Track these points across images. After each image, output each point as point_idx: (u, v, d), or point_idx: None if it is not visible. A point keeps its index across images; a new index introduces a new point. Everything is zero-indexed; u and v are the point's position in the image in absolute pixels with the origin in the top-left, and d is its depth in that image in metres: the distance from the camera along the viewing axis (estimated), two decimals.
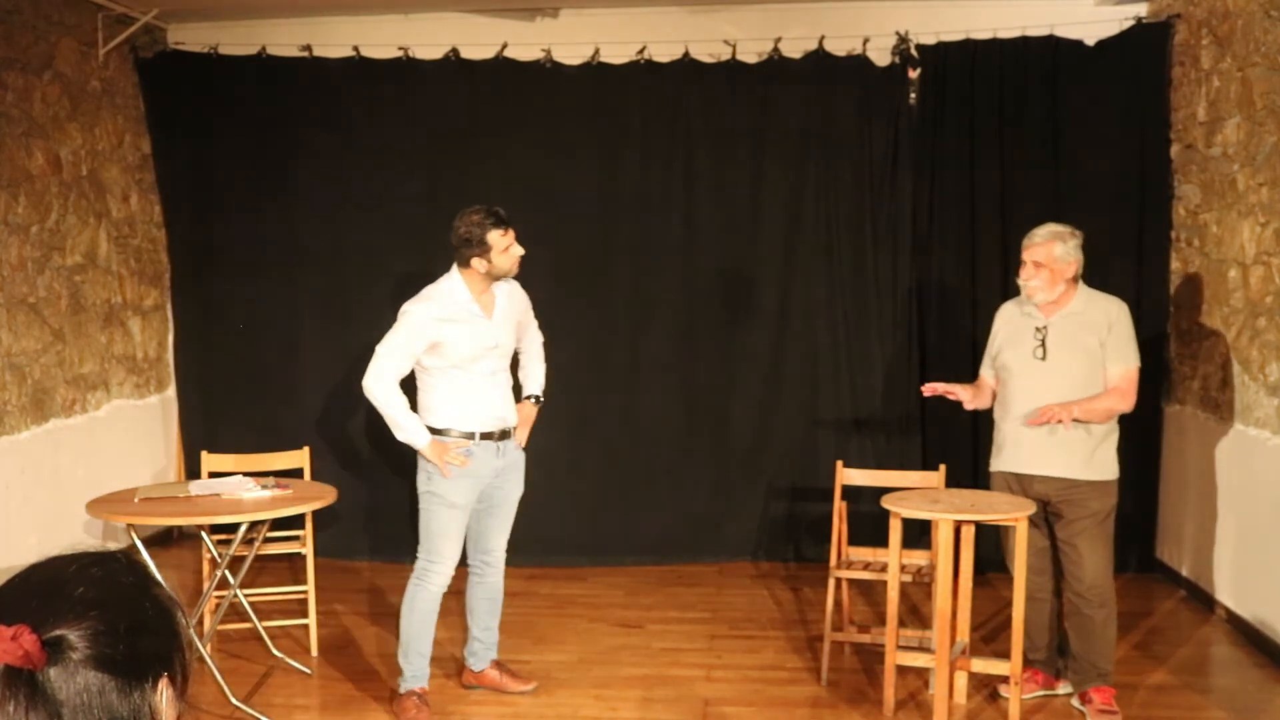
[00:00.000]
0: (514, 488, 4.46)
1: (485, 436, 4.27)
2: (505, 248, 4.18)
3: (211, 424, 6.57)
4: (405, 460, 6.04)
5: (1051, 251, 4.13)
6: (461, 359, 4.20)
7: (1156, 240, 5.94)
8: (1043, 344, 4.18)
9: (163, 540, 6.49)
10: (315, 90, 6.37)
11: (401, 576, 5.88)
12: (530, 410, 4.54)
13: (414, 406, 4.26)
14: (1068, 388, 4.12)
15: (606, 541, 6.35)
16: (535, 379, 4.59)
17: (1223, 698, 4.47)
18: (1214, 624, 5.26)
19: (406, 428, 4.18)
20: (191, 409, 6.73)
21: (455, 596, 5.79)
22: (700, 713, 4.36)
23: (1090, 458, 4.16)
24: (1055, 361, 4.16)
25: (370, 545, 6.40)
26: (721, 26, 6.25)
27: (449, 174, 6.30)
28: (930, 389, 4.51)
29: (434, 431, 4.21)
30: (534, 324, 4.59)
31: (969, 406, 4.53)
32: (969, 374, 6.04)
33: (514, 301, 4.42)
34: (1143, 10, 6.03)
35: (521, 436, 4.47)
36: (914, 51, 6.02)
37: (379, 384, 4.17)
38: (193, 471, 6.10)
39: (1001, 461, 4.34)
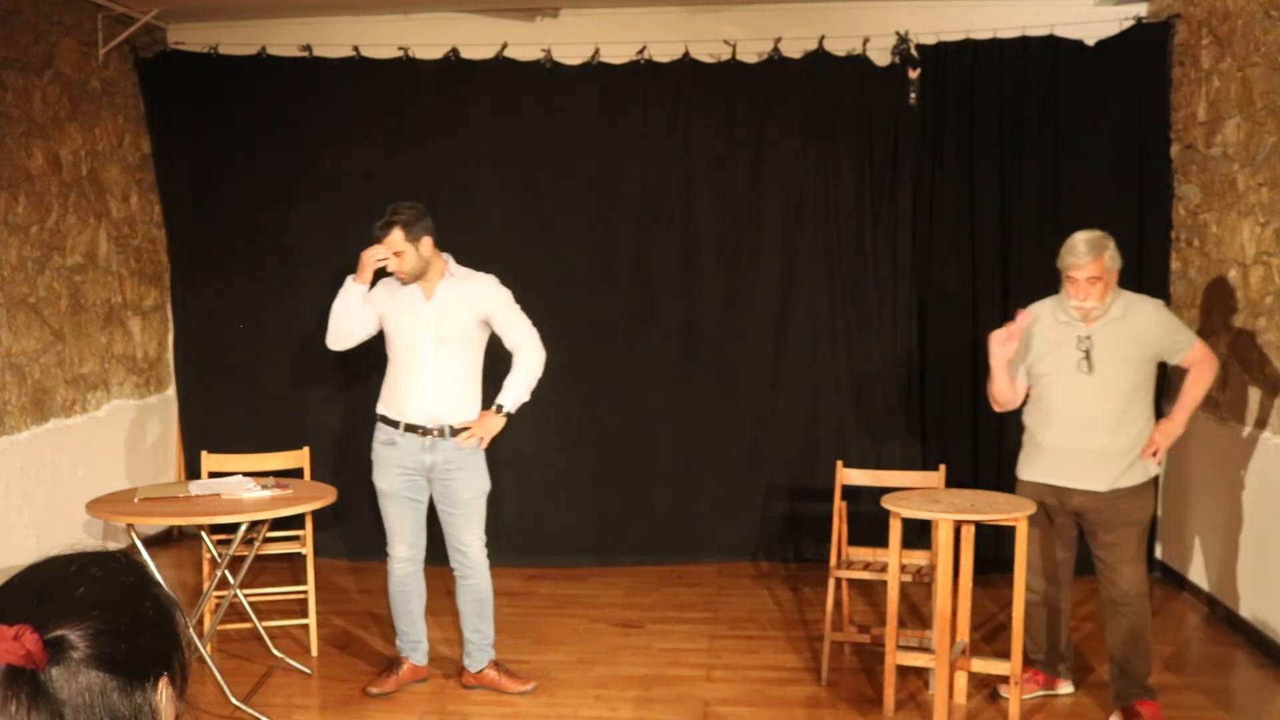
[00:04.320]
0: (464, 485, 4.38)
1: (410, 429, 4.32)
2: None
3: (211, 424, 6.57)
4: None
5: (1104, 263, 3.98)
6: (398, 341, 4.36)
7: (1156, 240, 5.94)
8: (1087, 356, 4.03)
9: (163, 540, 6.49)
10: (315, 90, 6.37)
11: None
12: (494, 419, 4.38)
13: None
14: (1114, 400, 4.02)
15: (606, 541, 6.35)
16: (507, 388, 4.40)
17: (1223, 697, 4.47)
18: (1214, 624, 5.26)
19: (341, 298, 4.38)
20: (191, 409, 6.73)
21: (450, 597, 5.80)
22: (700, 713, 4.36)
23: (1132, 465, 4.07)
24: (1102, 374, 4.02)
25: (370, 545, 6.37)
26: (721, 26, 6.25)
27: (449, 174, 6.30)
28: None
29: (378, 418, 4.43)
30: (516, 327, 4.42)
31: (999, 359, 4.14)
32: (969, 374, 6.08)
33: (470, 297, 4.35)
34: (1143, 10, 6.03)
35: (466, 438, 4.32)
36: (914, 51, 6.01)
37: (329, 336, 4.47)
38: (193, 471, 6.10)
39: (1036, 472, 4.20)
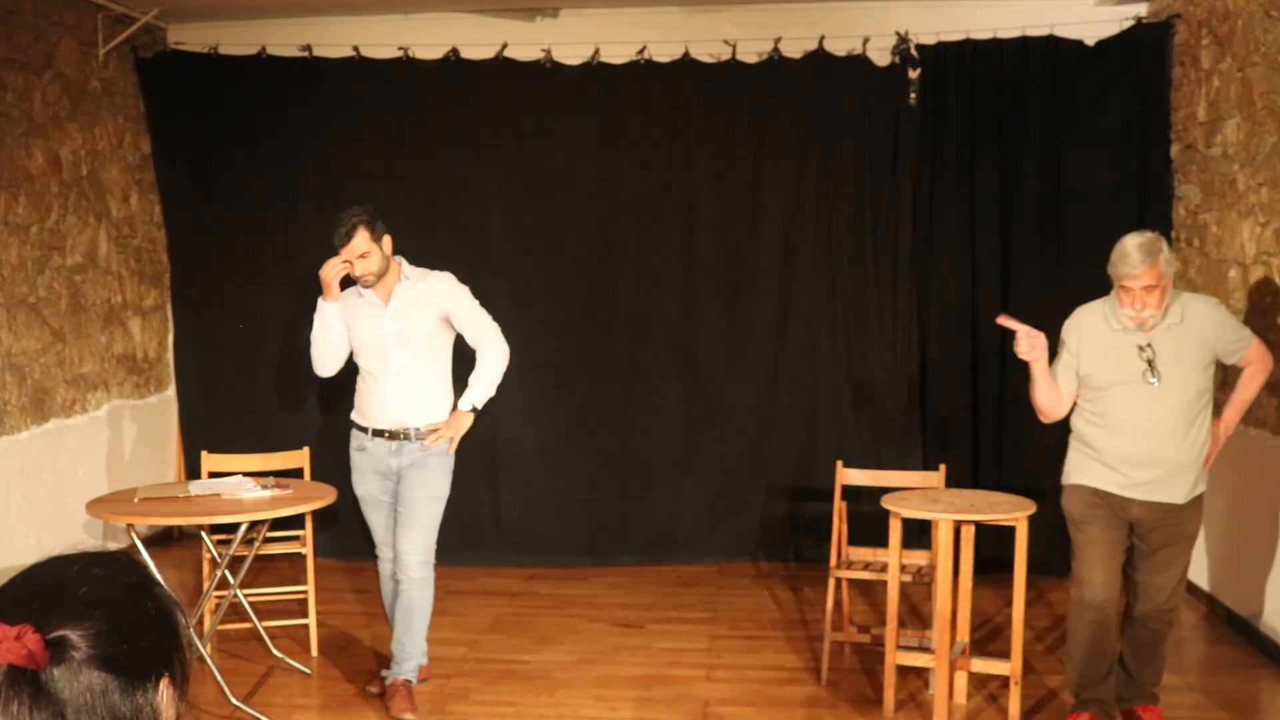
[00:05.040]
0: (418, 484, 4.29)
1: (377, 434, 4.31)
2: (344, 260, 4.22)
3: (211, 424, 6.57)
4: None
5: (1159, 268, 3.69)
6: (361, 350, 4.35)
7: None
8: (1151, 365, 3.77)
9: (163, 540, 6.49)
10: (315, 90, 6.37)
11: None
12: (463, 418, 4.32)
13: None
14: (1183, 408, 3.80)
15: (606, 541, 6.35)
16: (471, 385, 4.32)
17: (1223, 698, 4.47)
18: (1214, 624, 5.27)
19: (319, 323, 4.34)
20: (191, 409, 6.73)
21: (451, 596, 5.78)
22: (700, 713, 4.36)
23: (1200, 475, 3.90)
24: (1170, 383, 3.78)
25: (370, 545, 6.38)
26: (721, 26, 6.25)
27: (449, 174, 6.31)
28: (1007, 321, 3.95)
29: (351, 423, 4.44)
30: (477, 323, 4.33)
31: (1036, 365, 3.91)
32: (969, 373, 6.09)
33: (426, 297, 4.27)
34: (1143, 10, 6.03)
35: (435, 438, 4.26)
36: (914, 51, 6.02)
37: (314, 365, 4.44)
38: (193, 471, 6.10)
39: (1095, 477, 3.92)
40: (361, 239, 4.15)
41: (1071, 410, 4.02)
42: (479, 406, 4.36)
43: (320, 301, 4.31)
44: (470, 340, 4.35)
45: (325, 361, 4.40)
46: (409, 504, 4.30)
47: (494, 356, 4.33)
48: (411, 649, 4.35)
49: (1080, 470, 3.97)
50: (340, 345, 4.36)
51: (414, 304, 4.26)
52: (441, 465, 4.32)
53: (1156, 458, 3.82)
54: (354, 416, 4.44)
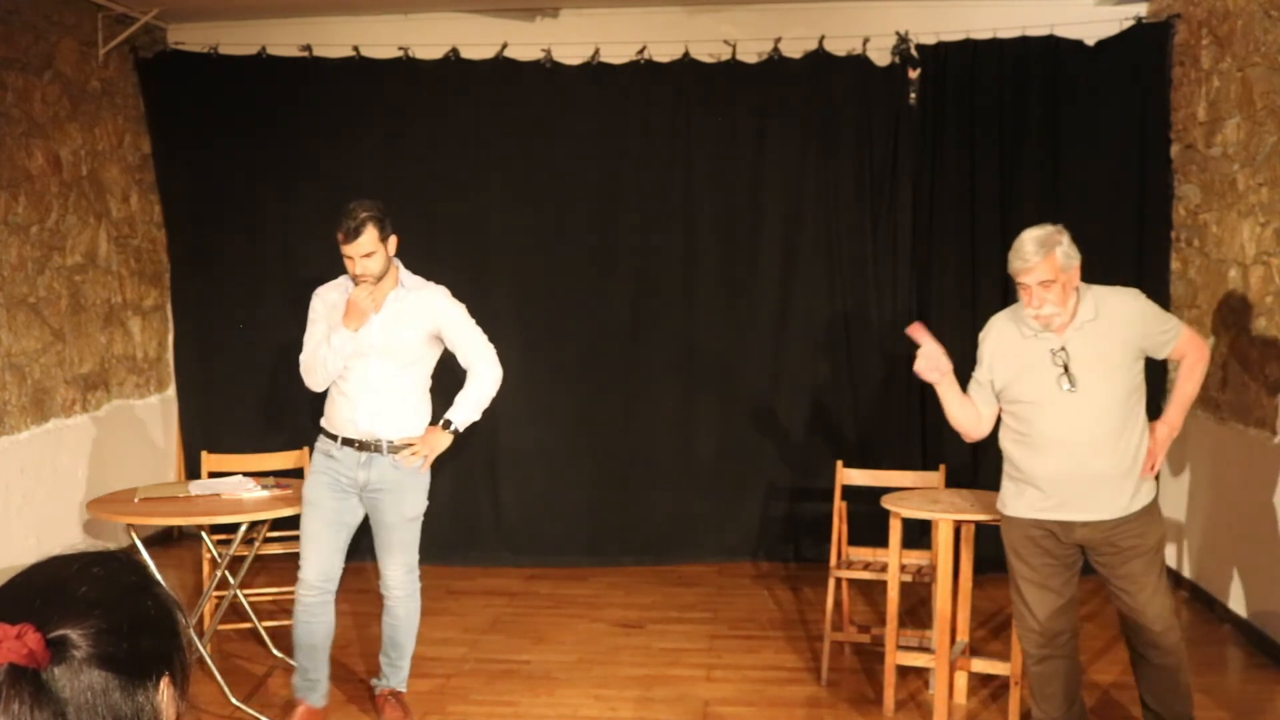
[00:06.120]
0: (391, 507, 4.04)
1: (346, 443, 4.00)
2: (345, 255, 3.87)
3: (211, 424, 6.57)
4: None
5: (1055, 262, 3.43)
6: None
7: (1156, 240, 5.95)
8: (1066, 370, 3.49)
9: (163, 540, 6.49)
10: (315, 90, 6.37)
11: None
12: (440, 436, 4.06)
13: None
14: (1108, 416, 3.49)
15: (606, 541, 6.35)
16: (458, 404, 4.09)
17: (1223, 698, 4.47)
18: (1214, 624, 5.27)
19: (329, 352, 3.95)
20: (191, 409, 6.73)
21: (450, 597, 5.79)
22: (700, 713, 4.36)
23: (1139, 486, 3.57)
24: (1087, 388, 3.48)
25: (369, 545, 6.38)
26: (721, 26, 6.25)
27: (449, 174, 6.31)
28: (917, 332, 3.78)
29: (320, 428, 4.11)
30: (472, 344, 4.08)
31: (939, 386, 3.78)
32: (969, 373, 6.07)
33: (419, 311, 3.99)
34: (1143, 10, 6.04)
35: (409, 456, 4.01)
36: (914, 51, 6.02)
37: (307, 378, 4.06)
38: (193, 471, 6.10)
39: (1026, 507, 3.65)
40: (369, 237, 3.83)
41: (1000, 427, 3.77)
42: (460, 429, 4.10)
43: (344, 328, 3.91)
44: (463, 361, 4.11)
45: (323, 379, 4.03)
46: (386, 528, 4.08)
47: (488, 379, 4.09)
48: (401, 663, 4.27)
49: (1013, 499, 3.69)
50: (340, 365, 4.00)
51: (405, 317, 3.97)
52: (416, 486, 4.09)
53: (1081, 473, 3.50)
54: (323, 423, 4.10)
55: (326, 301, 4.04)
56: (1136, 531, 3.54)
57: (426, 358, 4.09)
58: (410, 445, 4.01)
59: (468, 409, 4.09)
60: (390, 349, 3.95)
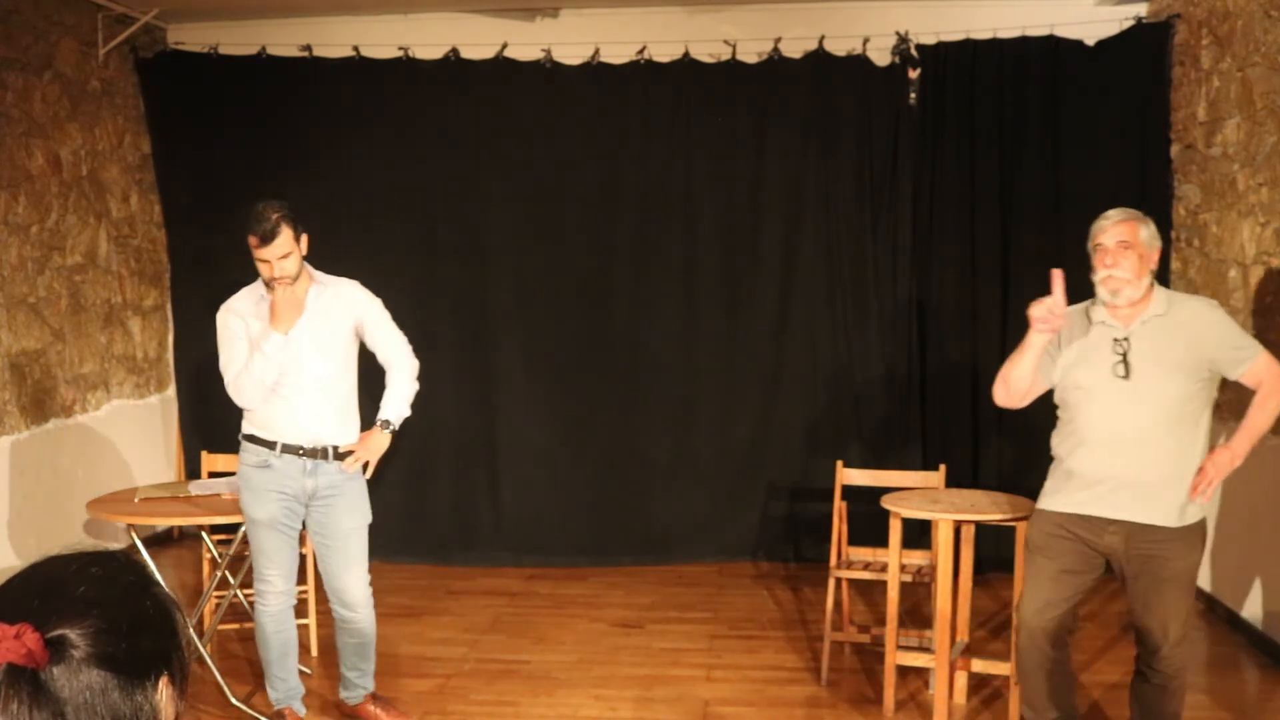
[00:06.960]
0: (343, 515, 3.92)
1: (287, 450, 3.85)
2: (260, 259, 3.74)
3: (211, 424, 6.55)
4: (402, 460, 6.05)
5: (1136, 230, 3.36)
6: None
7: None
8: (1124, 359, 3.37)
9: (163, 540, 6.49)
10: (315, 90, 6.37)
11: (401, 576, 5.91)
12: (379, 438, 3.96)
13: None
14: (1157, 412, 3.34)
15: (606, 541, 6.35)
16: (389, 402, 3.99)
17: (1224, 698, 4.47)
18: (1214, 624, 5.26)
19: (262, 360, 3.79)
20: (191, 409, 6.73)
21: (448, 596, 5.79)
22: (700, 713, 4.36)
23: (1184, 504, 3.37)
24: (1142, 379, 3.35)
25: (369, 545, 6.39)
26: (721, 26, 6.25)
27: (449, 174, 6.31)
28: (1057, 280, 3.39)
29: (245, 438, 3.95)
30: (387, 334, 4.00)
31: (1033, 336, 3.46)
32: (969, 373, 6.08)
33: (340, 304, 3.91)
34: (1143, 10, 6.03)
35: (353, 462, 3.91)
36: (914, 51, 6.02)
37: (239, 397, 3.92)
38: (193, 471, 6.10)
39: (1061, 501, 3.50)
40: (285, 238, 3.70)
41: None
42: (397, 428, 4.01)
43: (274, 333, 3.78)
44: (382, 356, 4.02)
45: (262, 391, 3.86)
46: (341, 536, 3.94)
47: (411, 373, 4.02)
48: (368, 670, 4.17)
49: (1051, 495, 3.57)
50: (277, 371, 3.84)
51: (329, 311, 3.87)
52: (362, 489, 3.99)
53: (1126, 469, 3.37)
54: (254, 431, 3.92)
55: (240, 315, 3.90)
56: (1170, 550, 3.37)
57: (352, 355, 3.99)
58: (353, 451, 3.93)
59: (399, 405, 4.01)
60: (322, 346, 3.86)
